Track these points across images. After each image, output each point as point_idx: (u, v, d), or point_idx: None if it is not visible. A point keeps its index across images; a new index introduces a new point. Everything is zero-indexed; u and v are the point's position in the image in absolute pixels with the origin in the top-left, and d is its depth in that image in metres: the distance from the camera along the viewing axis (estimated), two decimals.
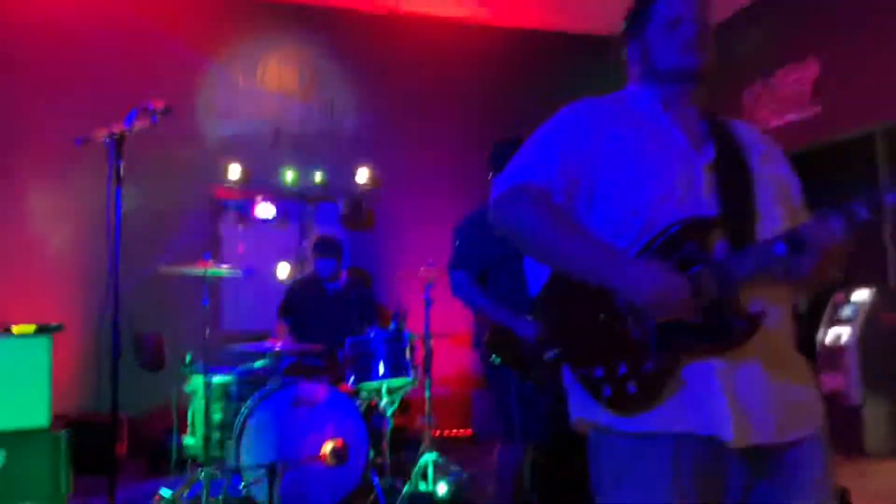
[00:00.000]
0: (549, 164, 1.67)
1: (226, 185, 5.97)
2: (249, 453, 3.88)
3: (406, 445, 4.99)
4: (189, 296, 4.80)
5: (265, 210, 6.07)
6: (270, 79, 6.39)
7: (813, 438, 1.57)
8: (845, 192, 5.77)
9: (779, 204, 1.70)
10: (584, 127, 1.71)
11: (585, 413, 1.61)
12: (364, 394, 4.35)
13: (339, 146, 6.41)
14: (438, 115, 6.67)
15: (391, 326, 4.37)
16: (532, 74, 6.94)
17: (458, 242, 3.71)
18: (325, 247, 5.12)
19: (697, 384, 1.51)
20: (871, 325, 5.90)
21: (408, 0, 6.56)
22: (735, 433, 1.47)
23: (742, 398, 1.50)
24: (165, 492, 4.13)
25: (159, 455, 5.05)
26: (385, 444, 4.37)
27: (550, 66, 6.98)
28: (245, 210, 6.18)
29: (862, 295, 6.17)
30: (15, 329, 4.33)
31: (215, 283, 5.69)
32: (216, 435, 4.38)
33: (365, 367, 4.23)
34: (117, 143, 3.33)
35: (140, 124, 3.38)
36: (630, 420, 1.51)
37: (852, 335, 6.00)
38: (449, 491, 4.28)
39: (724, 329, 1.51)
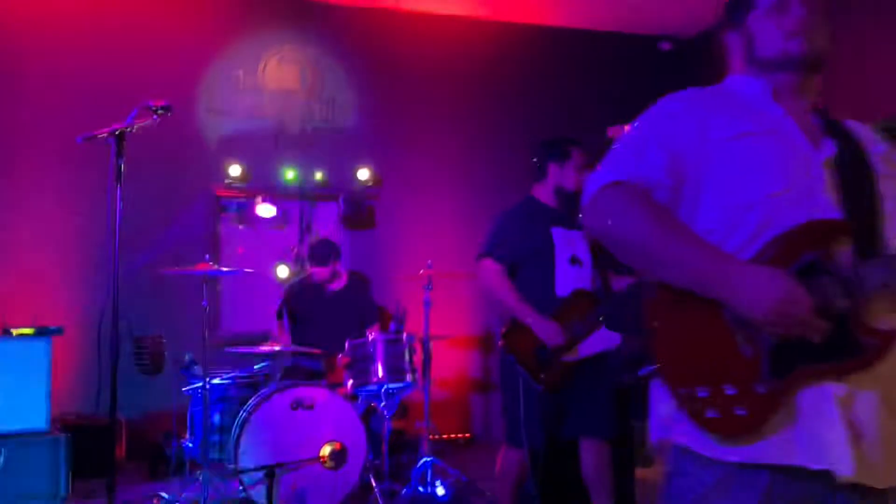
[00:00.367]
0: (649, 159, 1.54)
1: (226, 184, 5.96)
2: (248, 456, 3.88)
3: (405, 448, 5.00)
4: (188, 297, 4.80)
5: (265, 210, 6.06)
6: (271, 77, 6.38)
7: None
8: None
9: None
10: (688, 117, 1.59)
11: (673, 434, 1.46)
12: (363, 396, 4.35)
13: (340, 145, 6.40)
14: (441, 113, 6.65)
15: (391, 329, 4.36)
16: (536, 72, 6.92)
17: (493, 231, 3.65)
18: (318, 255, 5.10)
19: (813, 411, 1.35)
20: None
21: None
22: (855, 468, 1.32)
23: (860, 430, 1.35)
24: (165, 494, 4.14)
25: (158, 458, 5.05)
26: (384, 447, 4.37)
27: (555, 63, 6.96)
28: (245, 210, 6.18)
29: None
30: (14, 331, 4.34)
31: (215, 284, 5.69)
32: (215, 437, 4.38)
33: (364, 369, 4.23)
34: (118, 142, 3.32)
35: (141, 122, 3.38)
36: (729, 448, 1.37)
37: None
38: (447, 494, 4.28)
39: (852, 348, 1.35)
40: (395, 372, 4.23)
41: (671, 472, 1.49)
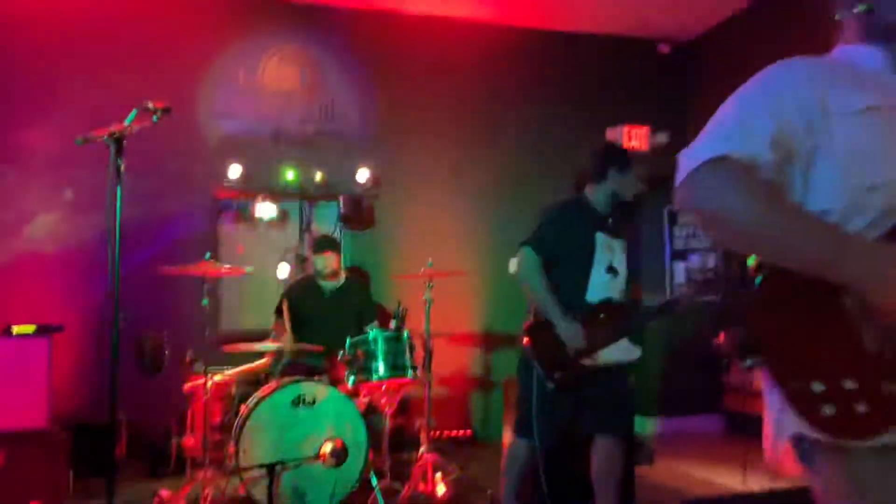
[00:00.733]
0: (757, 132, 1.38)
1: (226, 184, 5.97)
2: (249, 454, 3.88)
3: (405, 446, 5.00)
4: (189, 296, 4.81)
5: (265, 210, 6.07)
6: (271, 78, 6.39)
7: None
8: None
9: None
10: (806, 86, 1.42)
11: (803, 431, 1.32)
12: (363, 394, 4.35)
13: (340, 145, 6.41)
14: (440, 115, 6.67)
15: (391, 326, 4.36)
16: (536, 74, 6.93)
17: (541, 222, 3.69)
18: (323, 243, 5.13)
19: None
20: None
21: None
22: None
23: None
24: (165, 493, 4.14)
25: (159, 456, 5.06)
26: (384, 445, 4.37)
27: (554, 66, 6.97)
28: (245, 210, 6.18)
29: None
30: (15, 329, 4.34)
31: (215, 284, 5.69)
32: (216, 435, 4.39)
33: (364, 367, 4.23)
34: (118, 143, 3.32)
35: (140, 124, 3.38)
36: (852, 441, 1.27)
37: None
38: (448, 492, 4.29)
39: None
40: (395, 369, 4.23)
41: (819, 466, 1.33)
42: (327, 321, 4.96)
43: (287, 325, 4.65)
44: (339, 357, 4.31)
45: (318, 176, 6.20)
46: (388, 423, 4.38)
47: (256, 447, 3.90)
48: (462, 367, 6.47)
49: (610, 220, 3.66)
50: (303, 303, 5.08)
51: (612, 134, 7.02)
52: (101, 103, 5.23)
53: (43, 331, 4.35)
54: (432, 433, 4.53)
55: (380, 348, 4.22)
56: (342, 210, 6.32)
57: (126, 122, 3.34)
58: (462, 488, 4.40)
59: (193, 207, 6.03)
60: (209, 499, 3.87)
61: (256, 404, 4.00)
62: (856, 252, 1.26)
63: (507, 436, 4.73)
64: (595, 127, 6.96)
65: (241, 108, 6.27)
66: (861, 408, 1.23)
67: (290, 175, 6.10)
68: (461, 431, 6.22)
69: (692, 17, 6.85)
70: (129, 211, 3.37)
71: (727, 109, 1.46)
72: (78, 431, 4.58)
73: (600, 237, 3.59)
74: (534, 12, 6.78)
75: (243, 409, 4.13)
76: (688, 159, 1.42)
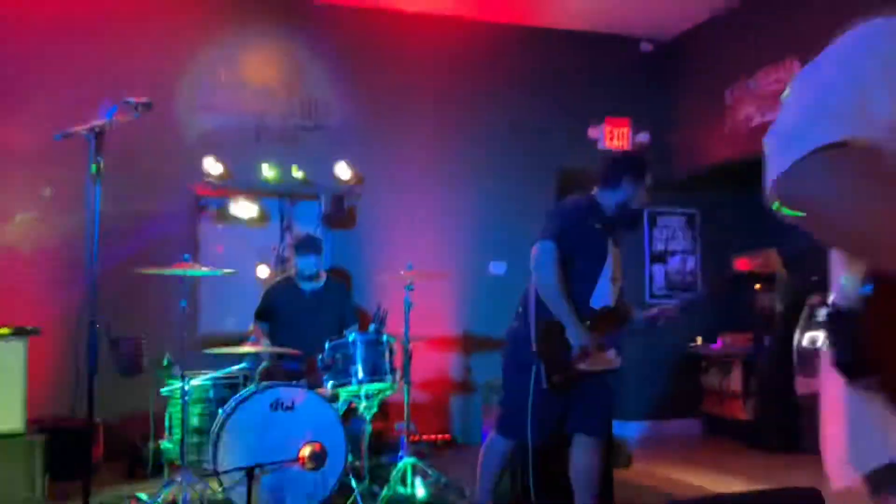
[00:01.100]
0: (879, 109, 1.12)
1: (205, 182, 5.91)
2: (227, 457, 3.87)
3: (385, 450, 5.00)
4: (167, 297, 4.77)
5: (245, 208, 6.02)
6: (252, 73, 6.35)
7: None
8: None
9: None
10: None
11: None
12: (343, 398, 4.35)
13: (322, 143, 6.38)
14: (424, 113, 6.65)
15: (371, 329, 4.36)
16: (520, 71, 6.93)
17: (562, 216, 3.62)
18: (306, 244, 5.11)
19: None
20: None
21: None
22: None
23: None
24: (142, 496, 4.11)
25: (136, 459, 5.02)
26: (363, 449, 4.37)
27: (538, 63, 6.98)
28: (225, 208, 6.13)
29: None
30: None
31: (194, 284, 5.65)
32: (194, 438, 4.36)
33: (344, 370, 4.23)
34: (97, 138, 3.28)
35: (121, 119, 3.34)
36: None
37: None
38: (427, 495, 4.29)
39: None
40: (375, 373, 4.23)
41: None
42: (307, 323, 4.94)
43: (259, 328, 4.63)
44: (318, 361, 4.30)
45: (299, 174, 6.16)
46: (367, 427, 4.38)
47: (234, 450, 3.88)
48: (442, 371, 6.47)
49: (618, 228, 3.68)
50: (283, 304, 5.06)
51: (594, 132, 7.06)
52: (77, 100, 5.15)
53: (19, 333, 4.30)
54: (412, 437, 4.53)
55: (359, 352, 4.21)
56: (323, 208, 6.29)
57: (107, 118, 3.30)
58: (442, 491, 4.41)
59: (172, 206, 5.98)
60: (187, 502, 3.85)
61: (234, 408, 3.98)
62: None
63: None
64: (578, 125, 6.99)
65: (222, 103, 6.21)
66: None
67: (270, 173, 6.04)
68: (441, 435, 6.22)
69: (674, 16, 6.88)
70: (107, 209, 3.34)
71: (828, 77, 1.18)
72: (55, 434, 4.53)
73: (609, 244, 3.60)
74: (517, 9, 6.78)
75: (222, 412, 4.11)
76: (790, 142, 1.14)
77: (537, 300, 3.51)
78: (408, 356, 4.57)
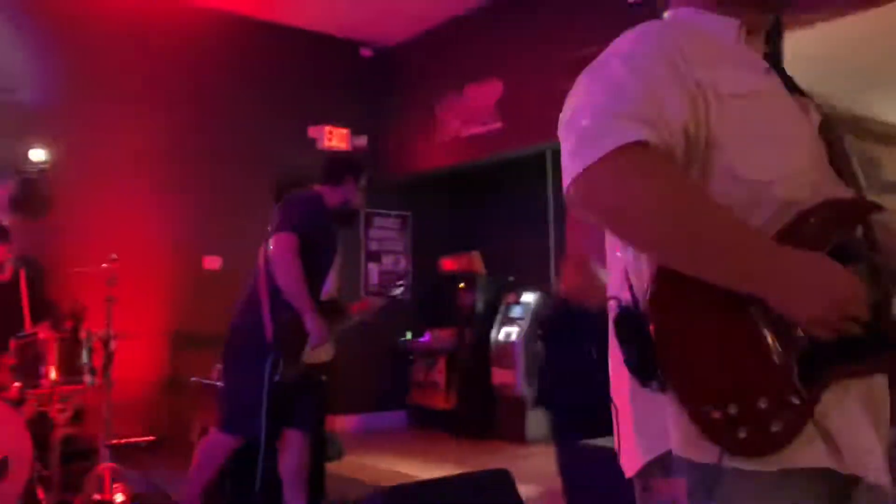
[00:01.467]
0: (672, 109, 1.16)
1: None
2: None
3: (80, 455, 4.60)
4: None
5: None
6: None
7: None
8: (521, 201, 6.36)
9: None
10: (701, 59, 1.22)
11: (696, 453, 1.17)
12: (32, 402, 3.94)
13: (11, 118, 5.71)
14: (135, 98, 6.21)
15: (66, 326, 4.00)
16: (245, 65, 6.76)
17: (298, 210, 3.60)
18: None
19: (842, 413, 1.18)
20: (535, 324, 6.61)
21: None
22: (882, 473, 1.20)
23: (875, 426, 1.22)
24: None
25: None
26: (54, 456, 3.99)
27: (259, 58, 6.86)
28: None
29: (529, 297, 6.88)
30: None
31: None
32: None
33: (33, 371, 3.83)
34: None
35: None
36: (762, 460, 1.15)
37: (520, 334, 6.68)
38: (127, 500, 4.03)
39: (880, 345, 1.18)
40: (70, 373, 3.89)
41: (707, 491, 1.18)
42: None
43: None
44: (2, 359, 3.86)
45: None
46: (59, 432, 4.01)
47: None
48: (147, 369, 6.10)
49: (340, 224, 3.80)
50: None
51: (314, 132, 7.11)
52: None
53: None
54: (112, 441, 4.22)
55: (51, 351, 3.85)
56: (12, 193, 5.62)
57: None
58: (143, 496, 4.17)
59: None
60: None
61: None
62: (778, 262, 1.14)
63: (198, 437, 4.57)
64: (299, 124, 6.99)
65: None
66: (776, 426, 1.12)
67: None
68: (145, 437, 5.87)
69: (395, 24, 7.15)
70: None
71: (619, 77, 1.18)
72: None
73: (336, 239, 3.73)
74: (251, 1, 6.61)
75: None
76: (587, 143, 1.15)
77: (272, 292, 3.48)
78: (109, 354, 4.26)
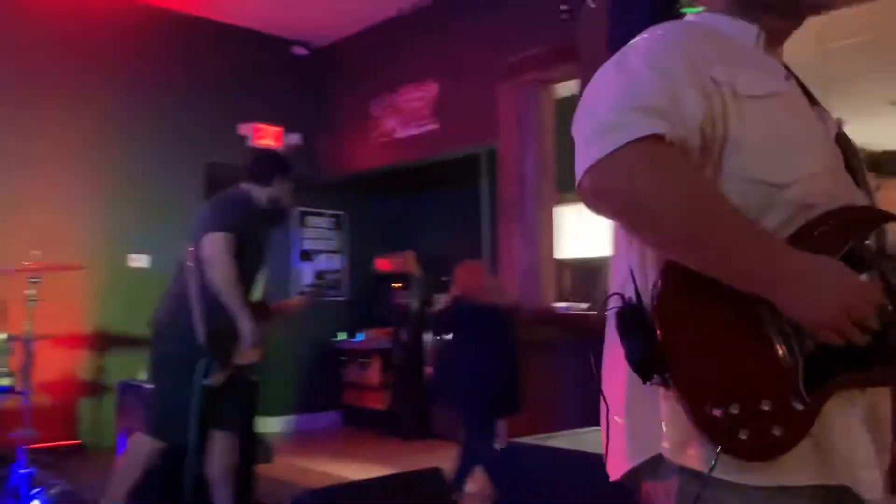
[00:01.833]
0: (688, 107, 1.15)
1: None
2: None
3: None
4: None
5: None
6: None
7: None
8: (456, 202, 6.39)
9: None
10: (720, 60, 1.21)
11: (683, 457, 1.16)
12: None
13: None
14: (57, 90, 5.99)
15: None
16: (169, 57, 6.59)
17: (231, 209, 3.54)
18: None
19: (842, 428, 1.17)
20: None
21: None
22: (875, 488, 1.19)
23: (875, 443, 1.20)
24: None
25: None
26: None
27: (188, 52, 6.70)
28: None
29: None
30: None
31: None
32: None
33: None
34: None
35: None
36: (756, 471, 1.13)
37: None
38: None
39: (887, 355, 1.17)
40: None
41: (685, 501, 1.17)
42: None
43: None
44: None
45: None
46: None
47: None
48: (70, 371, 5.91)
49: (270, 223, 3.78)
50: None
51: (245, 129, 7.00)
52: None
53: None
54: (32, 445, 4.07)
55: None
56: None
57: None
58: (65, 501, 4.04)
59: None
60: None
61: None
62: (789, 265, 1.13)
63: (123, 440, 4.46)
64: (229, 120, 6.88)
65: None
66: (777, 430, 1.11)
67: None
68: (67, 441, 5.69)
69: (330, 24, 7.09)
70: None
71: (637, 71, 1.18)
72: None
73: (266, 239, 3.69)
74: None
75: None
76: (604, 133, 1.14)
77: (204, 293, 3.42)
78: (29, 356, 4.11)
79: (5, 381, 3.81)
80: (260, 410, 4.28)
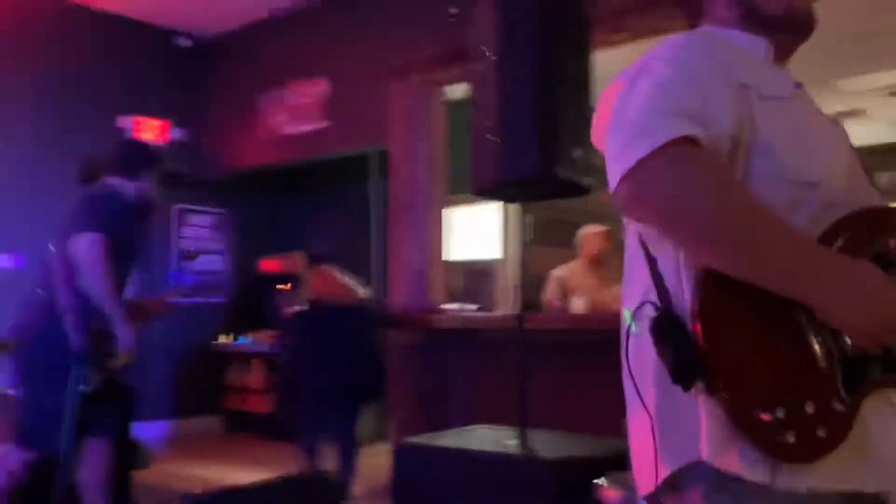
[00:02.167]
0: (719, 107, 1.16)
1: None
2: None
3: None
4: None
5: None
6: None
7: None
8: (345, 202, 6.39)
9: None
10: (743, 61, 1.26)
11: (721, 461, 1.14)
12: None
13: None
14: None
15: None
16: (43, 45, 6.24)
17: (104, 206, 3.36)
18: None
19: (880, 429, 1.17)
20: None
21: None
22: None
23: None
24: None
25: None
26: None
27: (65, 39, 6.37)
28: None
29: None
30: None
31: None
32: None
33: None
34: None
35: None
36: (796, 475, 1.12)
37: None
38: None
39: None
40: None
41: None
42: None
43: None
44: None
45: None
46: None
47: None
48: None
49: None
50: None
51: (124, 122, 6.70)
52: None
53: None
54: None
55: None
56: None
57: None
58: None
59: None
60: None
61: None
62: (830, 270, 1.13)
63: None
64: (107, 112, 6.57)
65: None
66: (821, 431, 1.12)
67: None
68: None
69: (217, 15, 6.89)
70: None
71: (665, 77, 1.18)
72: None
73: (138, 236, 3.56)
74: None
75: None
76: (636, 139, 1.14)
77: (76, 297, 3.25)
78: None
79: None
80: (137, 415, 4.11)
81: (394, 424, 5.00)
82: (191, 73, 7.23)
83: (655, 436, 1.21)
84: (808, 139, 1.24)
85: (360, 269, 6.79)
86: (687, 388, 1.13)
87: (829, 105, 6.45)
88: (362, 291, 4.86)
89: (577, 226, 5.81)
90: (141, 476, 4.57)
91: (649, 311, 1.19)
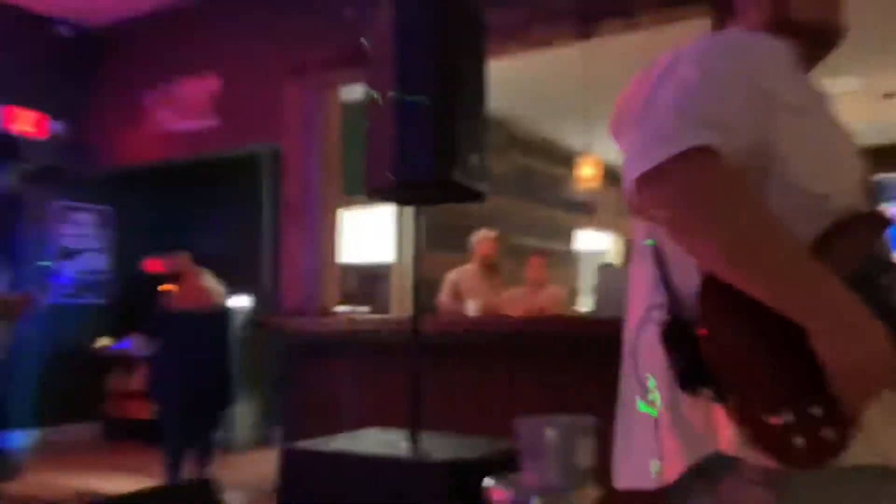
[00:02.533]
0: (737, 118, 1.15)
1: None
2: None
3: None
4: None
5: None
6: None
7: None
8: (235, 202, 6.28)
9: None
10: (758, 66, 1.22)
11: (745, 451, 1.15)
12: None
13: None
14: None
15: None
16: None
17: None
18: None
19: (881, 418, 1.18)
20: (246, 330, 6.48)
21: None
22: None
23: None
24: None
25: None
26: None
27: None
28: None
29: (241, 300, 6.75)
30: None
31: None
32: None
33: None
34: None
35: None
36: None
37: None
38: None
39: None
40: None
41: (781, 487, 1.17)
42: None
43: None
44: None
45: None
46: None
47: None
48: None
49: None
50: None
51: None
52: None
53: None
54: None
55: None
56: None
57: None
58: None
59: None
60: None
61: None
62: (830, 299, 1.12)
63: None
64: None
65: None
66: (829, 433, 1.12)
67: None
68: None
69: (100, 5, 6.59)
70: None
71: (690, 80, 1.17)
72: None
73: None
74: None
75: None
76: (654, 143, 1.13)
77: None
78: None
79: None
80: (3, 424, 3.88)
81: (283, 429, 4.91)
82: (73, 64, 6.89)
83: (667, 430, 1.22)
84: (827, 151, 1.25)
85: (250, 270, 6.65)
86: (692, 394, 1.15)
87: None
88: (222, 296, 4.85)
89: (471, 230, 5.88)
90: (7, 488, 4.32)
91: (657, 315, 1.21)
